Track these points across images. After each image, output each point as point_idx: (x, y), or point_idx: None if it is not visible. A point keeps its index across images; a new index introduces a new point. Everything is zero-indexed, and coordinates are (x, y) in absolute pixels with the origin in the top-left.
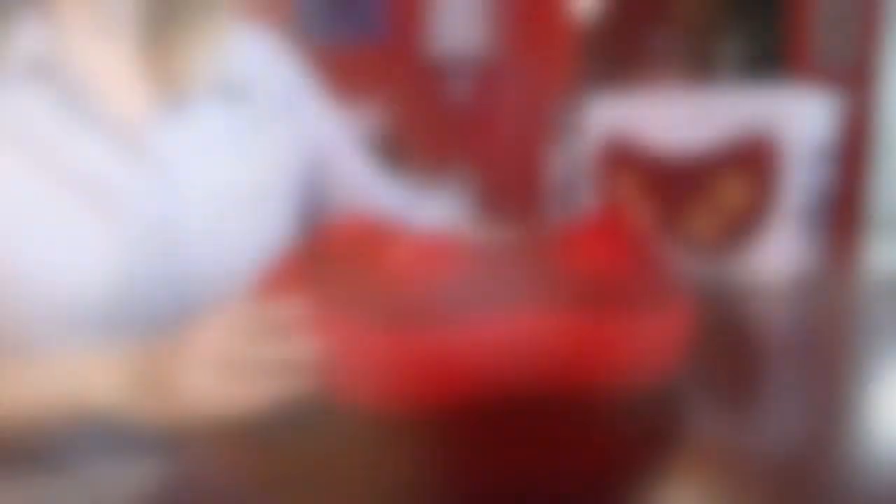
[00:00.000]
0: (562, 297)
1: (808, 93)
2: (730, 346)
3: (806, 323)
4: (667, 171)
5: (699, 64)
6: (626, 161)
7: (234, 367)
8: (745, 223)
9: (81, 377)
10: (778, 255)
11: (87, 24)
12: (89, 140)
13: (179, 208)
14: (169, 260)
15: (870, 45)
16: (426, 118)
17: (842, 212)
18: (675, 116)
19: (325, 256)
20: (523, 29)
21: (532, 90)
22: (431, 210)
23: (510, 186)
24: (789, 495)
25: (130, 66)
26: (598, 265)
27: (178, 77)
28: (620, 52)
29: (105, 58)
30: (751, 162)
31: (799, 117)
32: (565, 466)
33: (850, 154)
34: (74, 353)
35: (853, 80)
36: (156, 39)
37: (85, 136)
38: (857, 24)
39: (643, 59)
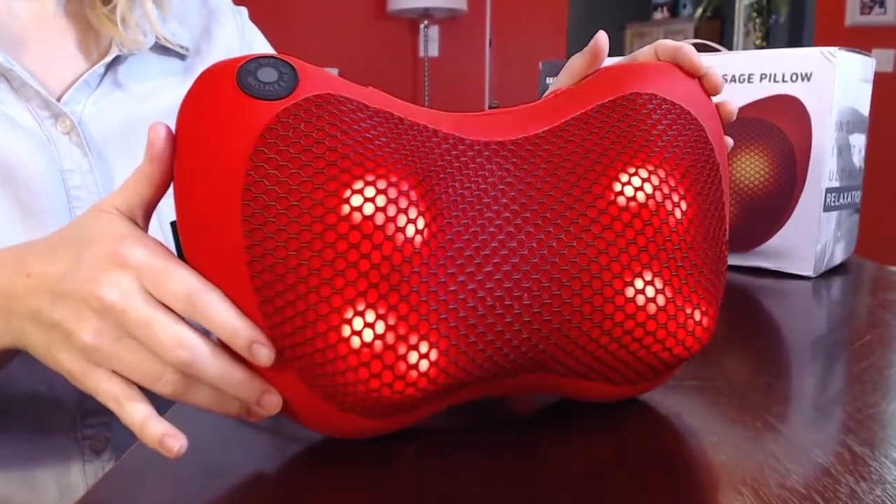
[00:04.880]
0: None
1: (839, 54)
2: (753, 343)
3: (836, 318)
4: None
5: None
6: None
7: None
8: (765, 205)
9: None
10: (804, 242)
11: None
12: (8, 112)
13: (111, 187)
14: None
15: None
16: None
17: (876, 189)
18: None
19: None
20: None
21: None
22: None
23: None
24: None
25: (56, 25)
26: None
27: (111, 39)
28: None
29: (28, 16)
30: (771, 134)
31: (828, 83)
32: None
33: (888, 125)
34: None
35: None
36: None
37: (4, 108)
38: None
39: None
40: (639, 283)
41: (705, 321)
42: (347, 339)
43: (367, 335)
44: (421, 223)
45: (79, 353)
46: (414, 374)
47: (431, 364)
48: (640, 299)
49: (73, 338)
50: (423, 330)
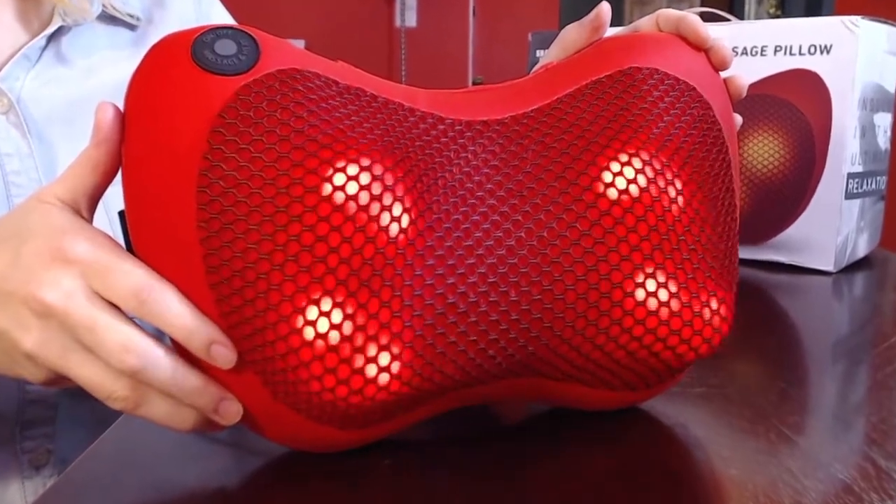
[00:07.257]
0: None
1: (863, 24)
2: (766, 344)
3: (859, 317)
4: None
5: None
6: None
7: None
8: (779, 192)
9: None
10: (823, 233)
11: None
12: None
13: (53, 173)
14: None
15: None
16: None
17: None
18: None
19: None
20: None
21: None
22: None
23: None
24: None
25: None
26: None
27: (53, 7)
28: None
29: None
30: (786, 112)
31: (850, 56)
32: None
33: None
34: None
35: None
36: None
37: None
38: None
39: None
40: (639, 277)
41: (716, 320)
42: (311, 342)
43: (334, 337)
44: (397, 210)
45: (34, 366)
46: (385, 377)
47: (404, 366)
48: (640, 294)
49: (19, 348)
50: (396, 328)
